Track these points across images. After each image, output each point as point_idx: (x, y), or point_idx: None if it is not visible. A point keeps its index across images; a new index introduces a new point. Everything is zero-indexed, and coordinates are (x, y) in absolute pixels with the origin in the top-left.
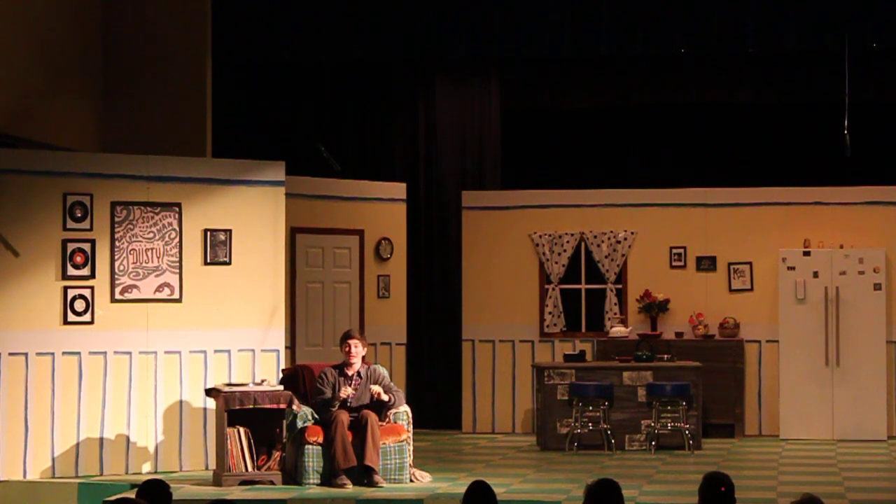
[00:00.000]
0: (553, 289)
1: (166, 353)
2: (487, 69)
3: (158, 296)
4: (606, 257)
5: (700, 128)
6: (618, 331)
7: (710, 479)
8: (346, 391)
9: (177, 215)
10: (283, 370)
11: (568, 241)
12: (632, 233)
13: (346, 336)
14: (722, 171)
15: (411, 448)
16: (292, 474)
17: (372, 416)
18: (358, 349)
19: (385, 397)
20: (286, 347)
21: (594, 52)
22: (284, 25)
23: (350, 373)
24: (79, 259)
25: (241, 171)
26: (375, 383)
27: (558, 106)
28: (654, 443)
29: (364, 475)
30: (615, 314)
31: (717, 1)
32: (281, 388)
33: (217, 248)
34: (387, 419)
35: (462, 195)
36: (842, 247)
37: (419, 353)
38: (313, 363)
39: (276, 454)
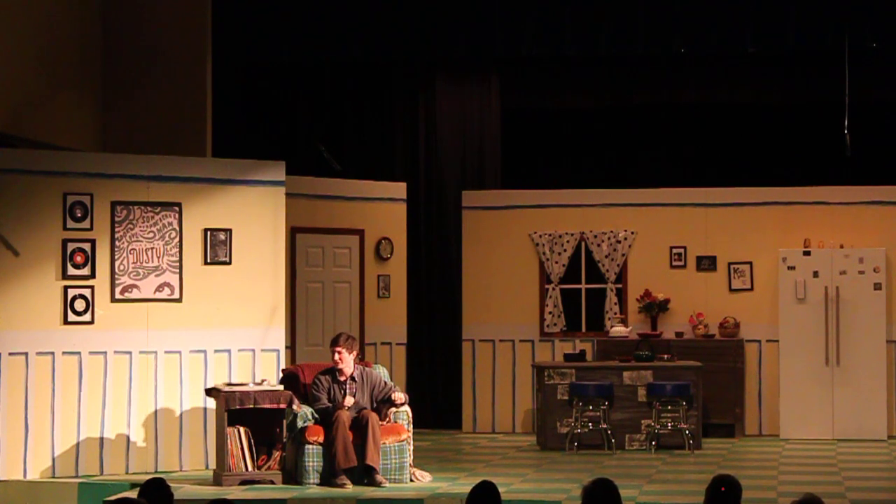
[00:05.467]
0: (553, 288)
1: (166, 352)
2: (487, 69)
3: (158, 296)
4: (606, 257)
5: (700, 128)
6: (618, 330)
7: (715, 478)
8: (349, 400)
9: (177, 215)
10: (283, 370)
11: (568, 241)
12: (632, 233)
13: (333, 343)
14: (722, 171)
15: (411, 448)
16: (292, 474)
17: (373, 416)
18: (344, 356)
19: (404, 403)
20: (286, 347)
21: (594, 52)
22: (284, 26)
23: (342, 378)
24: (79, 259)
25: (241, 171)
26: (372, 388)
27: (558, 106)
28: (654, 443)
29: (365, 475)
30: (615, 314)
31: (717, 1)
32: (281, 387)
33: (217, 247)
34: (387, 419)
35: (462, 195)
36: (842, 247)
37: (419, 353)
38: (313, 363)
39: (276, 454)
